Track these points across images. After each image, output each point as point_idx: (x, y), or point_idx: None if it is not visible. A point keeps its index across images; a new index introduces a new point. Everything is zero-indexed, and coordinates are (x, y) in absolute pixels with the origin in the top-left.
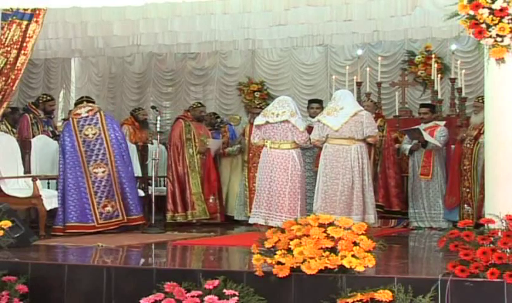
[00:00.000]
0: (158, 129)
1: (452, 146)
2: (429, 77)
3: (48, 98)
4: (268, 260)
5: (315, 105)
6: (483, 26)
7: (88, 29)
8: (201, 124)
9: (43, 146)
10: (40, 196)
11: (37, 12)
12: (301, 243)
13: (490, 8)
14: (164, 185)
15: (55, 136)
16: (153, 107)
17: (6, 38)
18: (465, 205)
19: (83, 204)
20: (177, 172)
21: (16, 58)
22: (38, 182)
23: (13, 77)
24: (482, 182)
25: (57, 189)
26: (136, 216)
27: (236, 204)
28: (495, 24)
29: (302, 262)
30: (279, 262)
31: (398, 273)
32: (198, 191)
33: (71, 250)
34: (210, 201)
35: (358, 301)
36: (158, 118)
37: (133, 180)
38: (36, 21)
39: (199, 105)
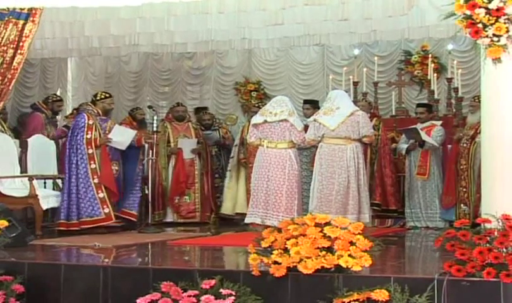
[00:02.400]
0: (154, 129)
1: (449, 146)
2: (426, 77)
3: (58, 98)
4: (265, 259)
5: (307, 106)
6: (480, 26)
7: (85, 29)
8: (184, 124)
9: (40, 145)
10: (37, 195)
11: (34, 11)
12: (297, 242)
13: (486, 8)
14: None
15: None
16: (149, 107)
17: (3, 38)
18: (462, 205)
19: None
20: (154, 173)
21: (13, 57)
22: (35, 181)
23: (9, 76)
24: (479, 182)
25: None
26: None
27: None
28: (491, 24)
29: (299, 262)
30: (275, 262)
31: (395, 272)
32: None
33: (67, 250)
34: (175, 201)
35: (354, 301)
36: (155, 118)
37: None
38: (33, 21)
39: (176, 104)
